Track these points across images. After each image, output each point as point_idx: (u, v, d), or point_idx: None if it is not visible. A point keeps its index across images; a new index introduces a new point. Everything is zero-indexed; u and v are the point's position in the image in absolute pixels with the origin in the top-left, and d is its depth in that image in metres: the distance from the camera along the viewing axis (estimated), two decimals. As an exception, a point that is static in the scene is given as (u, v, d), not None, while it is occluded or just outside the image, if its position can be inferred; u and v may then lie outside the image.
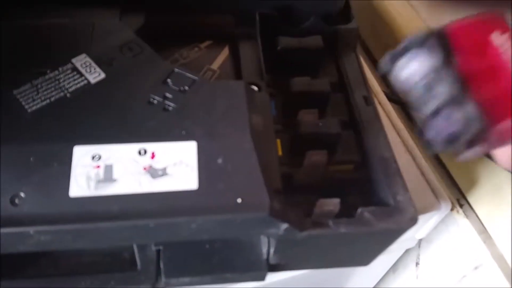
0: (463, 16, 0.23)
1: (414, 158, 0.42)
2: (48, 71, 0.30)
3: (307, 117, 0.33)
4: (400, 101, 0.48)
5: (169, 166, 0.26)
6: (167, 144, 0.27)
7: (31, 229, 0.24)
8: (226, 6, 0.38)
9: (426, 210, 0.39)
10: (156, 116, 0.28)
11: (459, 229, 0.46)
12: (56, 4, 0.35)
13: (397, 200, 0.29)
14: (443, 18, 0.26)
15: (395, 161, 0.31)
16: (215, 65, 0.37)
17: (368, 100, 0.35)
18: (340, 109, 0.36)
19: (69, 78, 0.30)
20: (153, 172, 0.26)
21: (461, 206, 0.46)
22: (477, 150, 0.25)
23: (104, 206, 0.25)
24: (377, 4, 0.50)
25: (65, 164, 0.26)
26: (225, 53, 0.38)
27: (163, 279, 0.31)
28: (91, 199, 0.25)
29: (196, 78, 0.31)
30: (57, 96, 0.29)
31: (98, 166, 0.26)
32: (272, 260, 0.32)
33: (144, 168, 0.26)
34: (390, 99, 0.47)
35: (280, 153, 0.32)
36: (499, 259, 0.43)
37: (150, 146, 0.27)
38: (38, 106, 0.28)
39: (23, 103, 0.28)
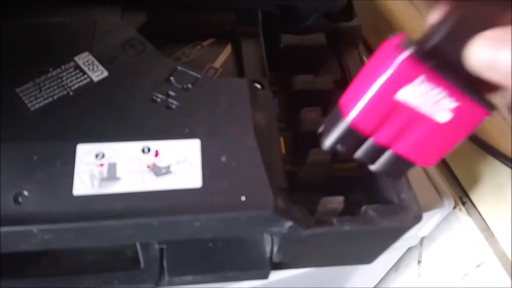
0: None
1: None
2: (50, 70, 0.30)
3: (310, 115, 0.33)
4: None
5: (173, 164, 0.26)
6: (171, 142, 0.27)
7: (34, 228, 0.24)
8: (228, 4, 0.38)
9: (429, 208, 0.39)
10: (160, 114, 0.28)
11: (461, 227, 0.46)
12: (57, 2, 0.34)
13: (401, 198, 0.29)
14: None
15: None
16: (217, 63, 0.37)
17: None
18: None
19: (71, 76, 0.29)
20: (157, 170, 0.26)
21: (463, 204, 0.46)
22: None
23: (108, 204, 0.25)
24: (379, 3, 0.50)
25: (69, 163, 0.25)
26: (227, 51, 0.38)
27: (166, 277, 0.31)
28: (95, 197, 0.25)
29: (199, 76, 0.31)
30: (60, 95, 0.29)
31: (102, 164, 0.26)
32: (276, 258, 0.32)
33: (148, 166, 0.26)
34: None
35: (283, 151, 0.32)
36: (501, 256, 0.43)
37: (154, 144, 0.27)
38: (41, 104, 0.28)
39: (26, 101, 0.28)
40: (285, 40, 0.36)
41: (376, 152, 0.25)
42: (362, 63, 0.38)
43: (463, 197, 0.46)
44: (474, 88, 0.21)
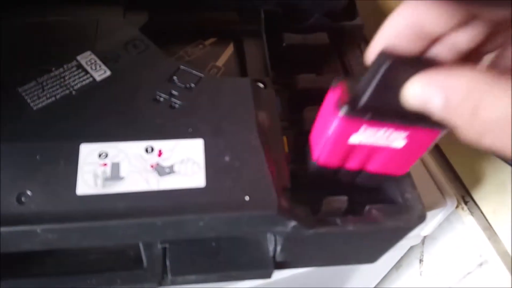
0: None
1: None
2: (53, 69, 0.30)
3: (312, 114, 0.33)
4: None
5: (176, 163, 0.26)
6: (174, 141, 0.27)
7: (38, 228, 0.24)
8: (230, 3, 0.38)
9: (432, 207, 0.39)
10: (163, 113, 0.28)
11: (463, 226, 0.46)
12: (59, 1, 0.34)
13: (405, 198, 0.29)
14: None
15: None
16: (220, 62, 0.37)
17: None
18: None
19: (74, 75, 0.29)
20: (160, 170, 0.26)
21: (465, 203, 0.46)
22: None
23: (111, 204, 0.24)
24: (382, 3, 0.50)
25: (72, 162, 0.25)
26: (229, 50, 0.38)
27: (169, 277, 0.31)
28: (99, 197, 0.25)
29: (202, 75, 0.31)
30: (62, 94, 0.28)
31: (105, 164, 0.26)
32: (279, 258, 0.31)
33: (151, 166, 0.26)
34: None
35: (286, 150, 0.32)
36: (504, 255, 0.43)
37: (157, 144, 0.27)
38: (44, 103, 0.28)
39: (29, 100, 0.28)
40: (287, 39, 0.36)
41: (352, 174, 0.28)
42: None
43: (465, 196, 0.46)
44: (418, 116, 0.22)
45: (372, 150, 0.26)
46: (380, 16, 0.54)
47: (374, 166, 0.27)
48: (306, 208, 0.28)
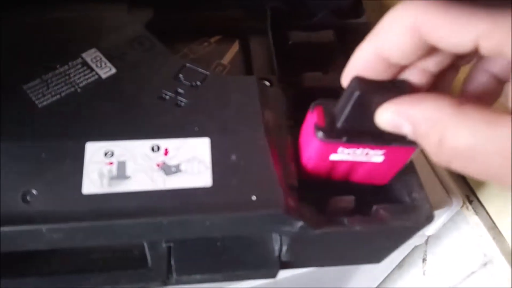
0: None
1: (425, 154, 0.42)
2: (58, 66, 0.29)
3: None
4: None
5: (183, 162, 0.26)
6: (180, 140, 0.27)
7: (43, 227, 0.23)
8: (236, 0, 0.38)
9: (438, 206, 0.39)
10: (169, 111, 0.28)
11: (468, 226, 0.46)
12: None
13: (412, 198, 0.28)
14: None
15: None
16: (225, 60, 0.36)
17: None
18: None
19: (79, 73, 0.29)
20: (167, 169, 0.26)
21: (470, 202, 0.46)
22: None
23: (117, 203, 0.24)
24: (388, 3, 0.50)
25: (78, 161, 0.25)
26: (235, 48, 0.38)
27: (174, 276, 0.31)
28: (105, 196, 0.24)
29: (208, 73, 0.30)
30: (67, 91, 0.28)
31: (111, 163, 0.25)
32: (284, 258, 0.31)
33: (158, 165, 0.26)
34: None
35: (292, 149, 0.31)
36: (508, 255, 0.43)
37: (163, 143, 0.26)
38: (49, 101, 0.28)
39: (34, 98, 0.28)
40: (293, 37, 0.36)
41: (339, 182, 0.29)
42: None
43: (470, 195, 0.46)
44: (394, 136, 0.22)
45: (354, 164, 0.27)
46: (386, 13, 0.54)
47: (357, 177, 0.29)
48: (313, 207, 0.28)
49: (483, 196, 0.46)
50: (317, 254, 0.32)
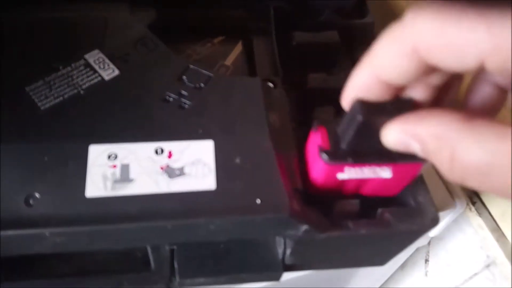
0: None
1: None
2: (60, 67, 0.29)
3: (323, 115, 0.33)
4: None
5: (187, 165, 0.26)
6: (184, 143, 0.27)
7: (46, 231, 0.23)
8: (238, 1, 0.37)
9: (441, 208, 0.38)
10: (172, 114, 0.28)
11: (471, 227, 0.46)
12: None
13: (417, 201, 0.28)
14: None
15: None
16: (228, 61, 0.36)
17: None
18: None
19: (82, 74, 0.29)
20: (171, 172, 0.25)
21: (473, 204, 0.46)
22: None
23: (121, 206, 0.24)
24: (393, 3, 0.50)
25: (81, 164, 0.25)
26: (238, 48, 0.37)
27: (177, 279, 0.30)
28: (108, 199, 0.24)
29: (211, 74, 0.30)
30: (70, 93, 0.28)
31: (115, 166, 0.25)
32: (288, 261, 0.31)
33: (161, 168, 0.25)
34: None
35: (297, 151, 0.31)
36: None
37: (167, 145, 0.26)
38: (51, 103, 0.27)
39: (36, 100, 0.27)
40: (297, 38, 0.36)
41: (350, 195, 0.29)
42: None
43: (473, 197, 0.46)
44: (401, 153, 0.22)
45: (362, 180, 0.27)
46: (391, 13, 0.53)
47: (367, 191, 0.28)
48: (318, 211, 0.27)
49: (486, 198, 0.45)
50: (321, 257, 0.32)
